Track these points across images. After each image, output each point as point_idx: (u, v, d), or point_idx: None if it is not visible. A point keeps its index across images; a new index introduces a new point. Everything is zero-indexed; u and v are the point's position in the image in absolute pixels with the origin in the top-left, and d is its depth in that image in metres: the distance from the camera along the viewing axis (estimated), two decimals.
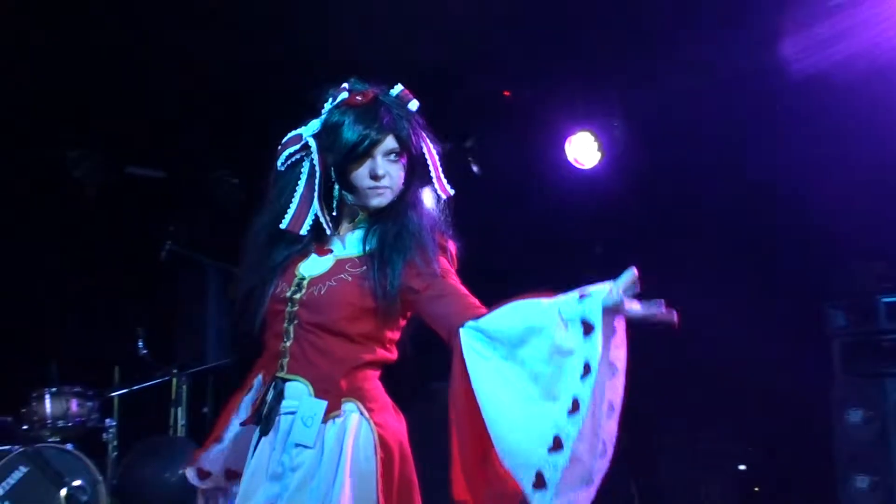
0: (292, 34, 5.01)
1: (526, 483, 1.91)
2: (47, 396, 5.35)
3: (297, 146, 2.29)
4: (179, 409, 6.08)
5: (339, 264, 2.25)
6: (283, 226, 2.25)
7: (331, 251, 2.29)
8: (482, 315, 2.06)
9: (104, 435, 5.51)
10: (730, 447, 5.43)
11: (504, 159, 6.16)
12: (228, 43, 5.07)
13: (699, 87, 5.20)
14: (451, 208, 2.35)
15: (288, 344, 2.23)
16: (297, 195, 2.25)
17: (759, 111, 5.10)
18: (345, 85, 2.30)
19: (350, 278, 2.22)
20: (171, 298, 6.86)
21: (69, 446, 5.19)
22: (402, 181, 2.26)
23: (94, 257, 6.44)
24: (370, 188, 2.22)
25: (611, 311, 1.96)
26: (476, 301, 2.14)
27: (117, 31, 5.07)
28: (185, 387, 6.12)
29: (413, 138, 2.25)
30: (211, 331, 6.96)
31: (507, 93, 6.05)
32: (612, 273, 6.06)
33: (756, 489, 5.45)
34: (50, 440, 5.23)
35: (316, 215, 2.25)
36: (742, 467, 5.48)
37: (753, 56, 4.87)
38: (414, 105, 2.29)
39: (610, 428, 1.97)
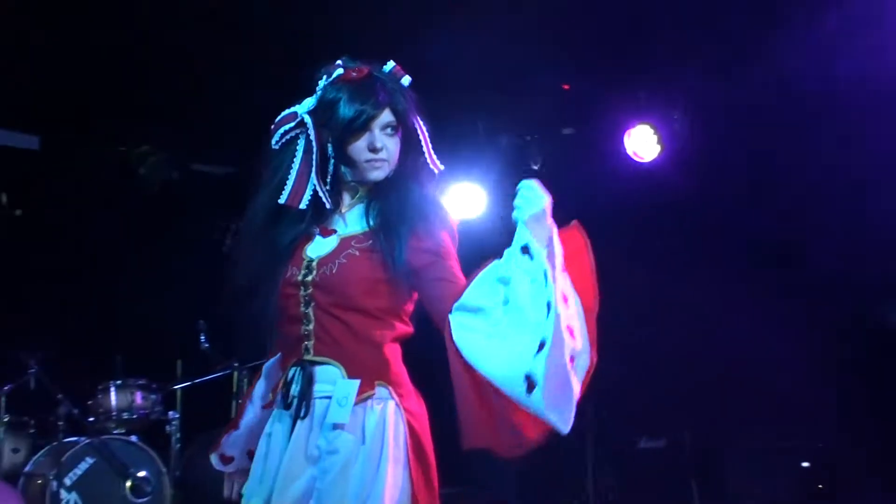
0: (374, 35, 5.02)
1: (519, 393, 1.98)
2: (113, 389, 5.47)
3: (292, 123, 2.28)
4: (240, 402, 6.15)
5: (345, 242, 2.25)
6: (281, 200, 2.23)
7: (334, 231, 2.28)
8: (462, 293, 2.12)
9: (167, 427, 5.61)
10: (794, 444, 5.34)
11: (563, 153, 6.14)
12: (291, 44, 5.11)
13: (762, 83, 5.13)
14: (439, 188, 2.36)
15: (310, 327, 2.22)
16: (294, 170, 2.24)
17: (822, 110, 5.02)
18: (338, 62, 2.30)
19: (358, 253, 2.22)
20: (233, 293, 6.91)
21: (134, 438, 5.29)
22: (398, 154, 2.27)
23: (158, 253, 6.53)
24: (368, 161, 2.23)
25: (533, 222, 2.08)
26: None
27: (180, 32, 5.14)
28: (245, 380, 6.19)
29: (408, 112, 2.27)
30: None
31: (566, 86, 6.01)
32: (670, 267, 6.02)
33: (820, 486, 5.36)
34: (115, 432, 5.35)
35: (315, 190, 2.24)
36: (806, 464, 5.39)
37: (818, 55, 4.79)
38: (406, 80, 2.30)
39: (570, 315, 2.04)
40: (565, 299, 2.04)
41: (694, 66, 5.33)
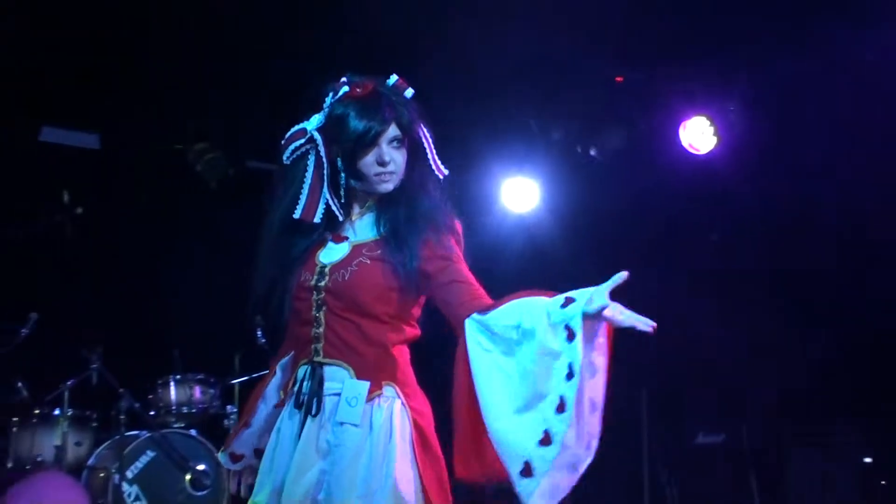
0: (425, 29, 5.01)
1: (514, 470, 2.08)
2: (172, 384, 5.55)
3: (302, 140, 2.40)
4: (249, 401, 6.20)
5: (356, 249, 2.36)
6: (296, 215, 2.34)
7: (346, 238, 2.39)
8: (486, 308, 2.20)
9: (225, 421, 5.68)
10: (856, 439, 5.25)
11: (617, 145, 6.09)
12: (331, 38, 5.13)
13: (821, 76, 5.04)
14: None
15: (321, 330, 2.32)
16: (307, 185, 2.36)
17: (881, 104, 4.92)
18: (343, 79, 2.41)
19: (369, 261, 2.33)
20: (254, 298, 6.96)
21: (193, 432, 5.37)
22: (405, 165, 2.37)
23: (216, 249, 6.60)
24: (377, 174, 2.34)
25: (591, 317, 2.05)
26: (482, 291, 2.28)
27: (235, 27, 5.20)
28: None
29: (413, 125, 2.37)
30: None
31: (619, 78, 5.96)
32: (728, 260, 5.94)
33: (882, 482, 5.27)
34: (175, 426, 5.42)
35: (327, 203, 2.36)
36: (868, 460, 5.29)
37: (879, 49, 4.70)
38: (409, 93, 2.41)
39: (592, 423, 2.09)
40: (592, 405, 2.10)
41: (750, 55, 5.25)
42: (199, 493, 5.20)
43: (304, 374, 2.31)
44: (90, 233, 5.83)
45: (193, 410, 5.54)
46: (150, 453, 5.18)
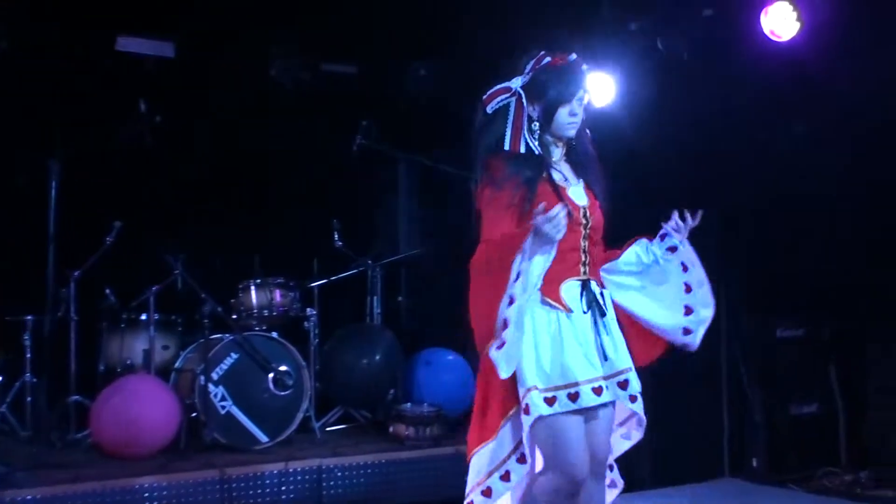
0: None
1: (678, 337, 3.27)
2: (253, 288, 5.67)
3: (507, 95, 3.16)
4: (375, 298, 6.31)
5: (590, 195, 3.20)
6: (506, 147, 3.11)
7: (567, 182, 3.18)
8: (608, 259, 3.29)
9: (305, 323, 5.79)
10: None
11: (696, 34, 5.86)
12: None
13: None
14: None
15: (585, 258, 3.15)
16: (510, 125, 3.13)
17: None
18: (542, 52, 3.16)
19: (597, 204, 3.21)
20: (365, 192, 7.03)
21: (274, 334, 5.49)
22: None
23: (293, 154, 6.65)
24: (569, 123, 3.16)
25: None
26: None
27: None
28: (379, 277, 6.33)
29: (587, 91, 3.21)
30: (403, 223, 7.12)
31: None
32: (814, 151, 5.73)
33: None
34: (257, 328, 5.55)
35: (526, 141, 3.12)
36: None
37: None
38: (585, 67, 3.20)
39: (707, 293, 3.28)
40: (700, 282, 3.28)
41: None
42: (282, 393, 5.34)
43: (580, 288, 3.11)
44: (169, 141, 5.93)
45: (274, 313, 5.66)
46: (234, 355, 5.32)
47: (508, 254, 2.88)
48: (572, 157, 3.24)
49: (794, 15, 5.50)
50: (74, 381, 5.48)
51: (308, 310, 5.84)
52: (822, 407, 5.71)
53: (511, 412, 3.06)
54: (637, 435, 3.27)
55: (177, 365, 5.57)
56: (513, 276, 2.86)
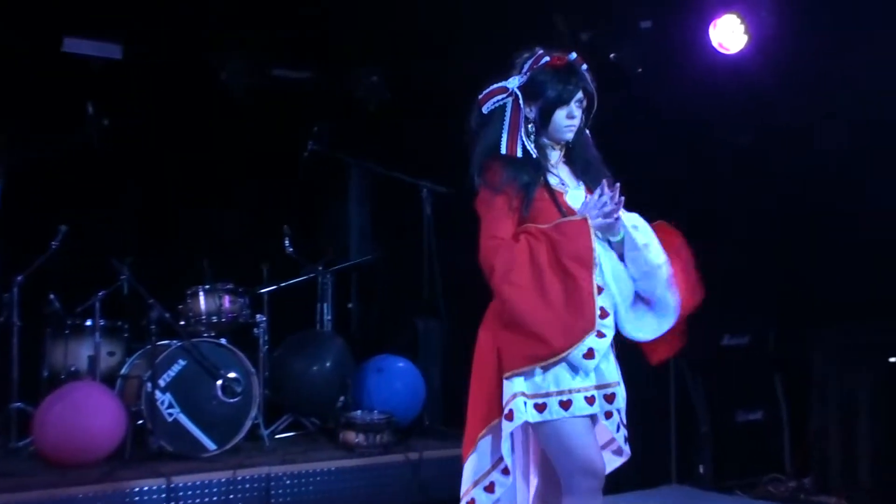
0: None
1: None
2: (202, 293, 5.60)
3: (504, 95, 3.05)
4: (325, 305, 6.28)
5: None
6: (502, 151, 3.00)
7: (567, 187, 3.07)
8: None
9: (255, 330, 5.75)
10: (882, 339, 5.20)
11: (645, 46, 5.94)
12: None
13: None
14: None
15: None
16: (506, 127, 3.02)
17: None
18: (539, 51, 3.04)
19: None
20: (317, 197, 7.00)
21: (223, 341, 5.42)
22: (581, 122, 3.09)
23: (243, 158, 6.60)
24: (566, 126, 3.04)
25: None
26: None
27: None
28: (330, 283, 6.30)
29: (590, 92, 3.07)
30: (353, 228, 7.09)
31: None
32: (759, 160, 5.81)
33: None
34: (205, 335, 5.49)
35: (523, 144, 3.01)
36: (893, 360, 5.25)
37: None
38: (585, 67, 3.06)
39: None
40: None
41: None
42: (231, 400, 5.28)
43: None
44: (117, 144, 5.85)
45: (223, 320, 5.60)
46: (182, 362, 5.25)
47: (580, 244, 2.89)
48: (571, 160, 3.13)
49: (742, 28, 5.62)
50: (17, 387, 5.35)
51: (258, 316, 5.79)
52: (767, 414, 5.79)
53: (494, 422, 2.95)
54: (626, 452, 3.13)
55: (123, 371, 5.48)
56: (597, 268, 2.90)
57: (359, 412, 5.54)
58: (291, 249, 6.11)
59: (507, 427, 2.89)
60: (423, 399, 5.93)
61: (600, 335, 2.90)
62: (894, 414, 5.06)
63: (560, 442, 2.90)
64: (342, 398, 5.89)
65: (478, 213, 3.01)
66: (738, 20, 5.61)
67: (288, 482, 4.94)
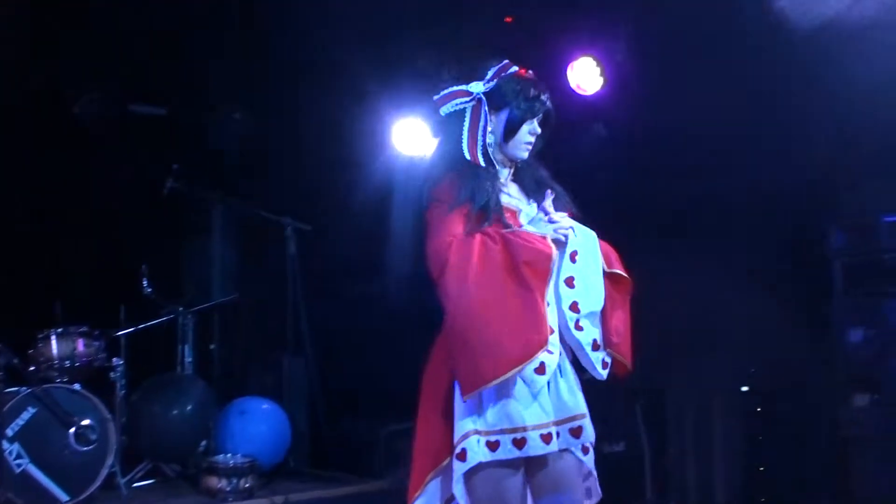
0: None
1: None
2: (53, 337, 5.36)
3: (466, 99, 2.90)
4: (186, 346, 6.11)
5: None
6: (465, 156, 2.85)
7: (520, 208, 2.95)
8: None
9: (111, 374, 5.51)
10: (733, 370, 5.43)
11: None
12: None
13: (706, 15, 5.08)
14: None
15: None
16: (465, 133, 2.86)
17: (764, 40, 5.00)
18: (506, 61, 2.96)
19: None
20: (176, 236, 6.85)
21: (77, 386, 5.21)
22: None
23: (97, 195, 6.41)
24: (526, 143, 2.94)
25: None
26: None
27: None
28: (191, 324, 6.14)
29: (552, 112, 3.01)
30: (216, 267, 6.96)
31: (508, 18, 5.93)
32: (616, 201, 5.97)
33: (759, 409, 5.46)
34: (58, 381, 5.25)
35: (483, 153, 2.88)
36: (745, 389, 5.50)
37: None
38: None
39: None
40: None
41: None
42: (85, 448, 5.07)
43: None
44: None
45: (77, 364, 5.36)
46: (32, 409, 5.01)
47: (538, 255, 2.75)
48: (520, 178, 3.00)
49: (598, 70, 5.80)
50: None
51: (114, 360, 5.56)
52: (629, 445, 5.94)
53: (444, 462, 2.75)
54: (596, 493, 3.01)
55: None
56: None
57: (221, 456, 5.40)
58: (150, 289, 5.92)
59: (459, 468, 2.70)
60: (289, 441, 5.83)
61: (548, 351, 2.74)
62: (746, 440, 5.29)
63: (488, 486, 2.73)
64: (204, 442, 5.73)
65: (427, 221, 2.84)
66: (595, 63, 5.79)
67: None
